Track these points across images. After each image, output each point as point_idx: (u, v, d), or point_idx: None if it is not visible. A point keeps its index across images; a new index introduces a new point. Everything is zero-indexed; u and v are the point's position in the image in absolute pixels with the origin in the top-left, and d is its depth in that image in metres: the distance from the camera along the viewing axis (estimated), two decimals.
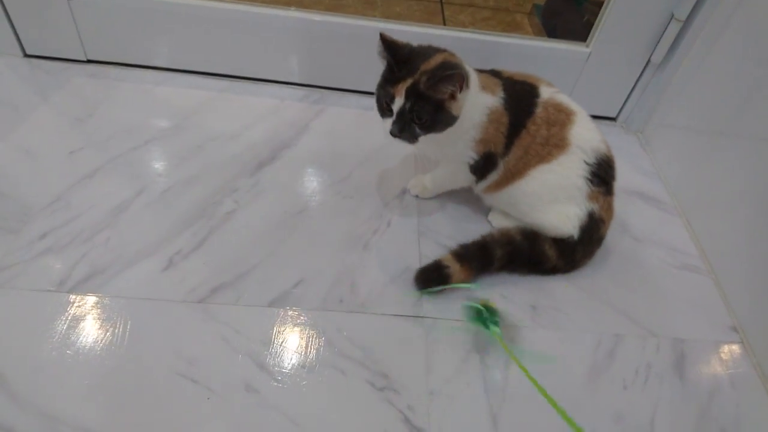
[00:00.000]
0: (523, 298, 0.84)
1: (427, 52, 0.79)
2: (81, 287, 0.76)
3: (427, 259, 0.86)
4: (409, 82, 0.75)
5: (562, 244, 0.85)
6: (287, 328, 0.75)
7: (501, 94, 0.82)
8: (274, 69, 1.17)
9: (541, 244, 0.85)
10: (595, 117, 1.19)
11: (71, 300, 0.74)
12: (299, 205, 0.93)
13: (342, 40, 1.11)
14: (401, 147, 0.82)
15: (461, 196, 0.97)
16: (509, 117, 0.83)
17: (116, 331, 0.71)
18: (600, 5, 1.08)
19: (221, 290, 0.78)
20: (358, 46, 1.11)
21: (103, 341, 0.70)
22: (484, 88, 0.82)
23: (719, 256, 0.93)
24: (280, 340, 0.73)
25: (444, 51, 0.81)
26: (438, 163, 0.94)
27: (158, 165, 0.96)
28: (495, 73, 0.86)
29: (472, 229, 0.91)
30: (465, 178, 0.90)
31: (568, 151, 0.82)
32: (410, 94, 0.75)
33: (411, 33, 1.10)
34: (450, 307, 0.80)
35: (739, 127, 0.93)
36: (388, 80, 0.78)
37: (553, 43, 1.14)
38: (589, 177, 0.83)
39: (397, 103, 0.76)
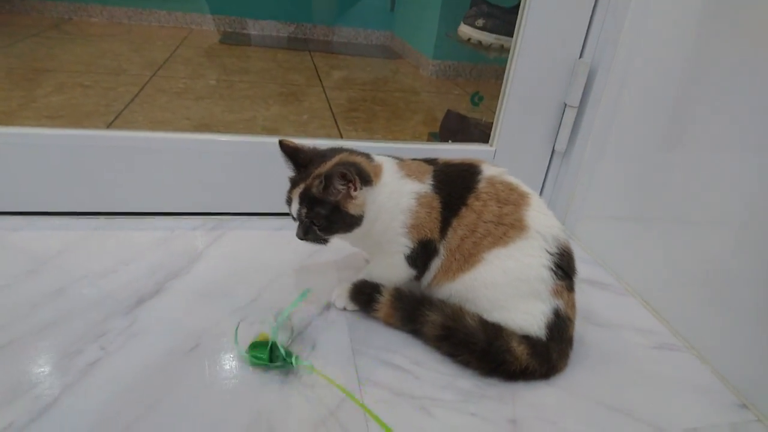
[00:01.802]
0: (496, 411, 0.65)
1: (328, 154, 0.77)
2: None
3: (369, 384, 0.67)
4: (302, 186, 0.73)
5: (532, 341, 0.71)
6: None
7: (429, 180, 0.77)
8: (161, 200, 1.02)
9: (506, 339, 0.70)
10: None
11: None
12: (190, 342, 0.71)
13: (240, 161, 1.02)
14: (320, 256, 0.70)
15: None
16: (441, 198, 0.76)
17: None
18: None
19: None
20: (260, 165, 1.02)
21: None
22: (409, 175, 0.77)
23: (691, 329, 0.83)
24: None
25: (345, 151, 0.77)
26: (369, 260, 0.83)
27: None
28: (430, 161, 0.82)
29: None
30: (403, 272, 0.78)
31: (526, 236, 0.73)
32: (303, 198, 0.73)
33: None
34: None
35: (656, 211, 0.92)
36: (291, 185, 0.76)
37: (459, 146, 1.13)
38: (553, 268, 0.72)
39: (294, 208, 0.74)
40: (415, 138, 1.69)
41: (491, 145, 1.11)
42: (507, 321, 0.72)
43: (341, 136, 1.57)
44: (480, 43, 1.24)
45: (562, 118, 1.08)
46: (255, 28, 2.73)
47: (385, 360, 0.72)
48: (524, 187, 0.79)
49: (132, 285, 0.81)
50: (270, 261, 0.91)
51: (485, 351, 0.69)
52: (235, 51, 2.50)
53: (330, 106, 1.84)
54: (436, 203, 0.76)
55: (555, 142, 1.11)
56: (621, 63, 1.00)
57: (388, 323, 0.77)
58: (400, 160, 0.80)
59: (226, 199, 1.05)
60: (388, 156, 0.81)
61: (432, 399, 0.66)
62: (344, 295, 0.80)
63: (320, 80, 2.16)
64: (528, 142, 1.11)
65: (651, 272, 0.93)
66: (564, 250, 0.74)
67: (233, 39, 2.64)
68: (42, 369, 0.64)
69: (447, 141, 1.47)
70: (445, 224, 0.76)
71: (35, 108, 1.51)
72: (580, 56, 1.04)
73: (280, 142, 0.76)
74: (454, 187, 0.77)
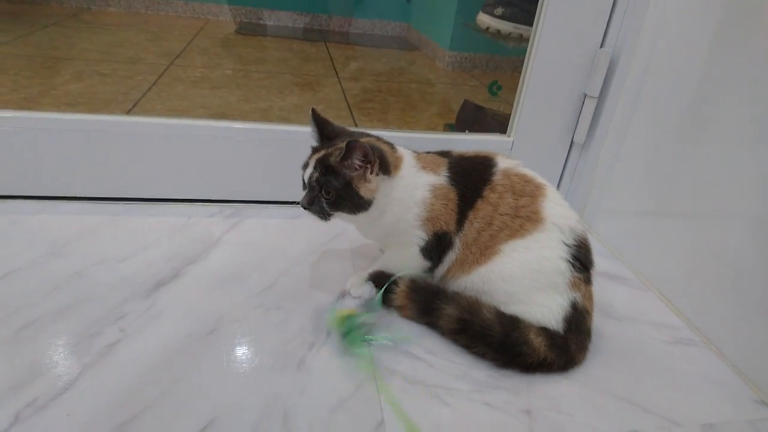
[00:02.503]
0: (511, 402, 0.65)
1: (356, 134, 0.77)
2: None
3: (383, 371, 0.67)
4: (322, 153, 0.73)
5: (551, 333, 0.70)
6: None
7: (445, 173, 0.77)
8: (179, 187, 1.03)
9: (524, 331, 0.69)
10: None
11: None
12: (208, 325, 0.72)
13: (257, 149, 1.02)
14: (335, 244, 0.70)
15: None
16: (457, 191, 0.76)
17: None
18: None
19: None
20: (276, 153, 1.02)
21: None
22: (425, 167, 0.77)
23: (709, 324, 0.82)
24: None
25: (373, 137, 0.77)
26: (383, 250, 0.83)
27: (16, 300, 0.73)
28: (444, 153, 0.81)
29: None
30: (417, 264, 0.78)
31: (543, 228, 0.72)
32: (319, 164, 0.72)
33: None
34: None
35: (675, 205, 0.90)
36: (311, 152, 0.76)
37: (476, 136, 1.12)
38: (571, 260, 0.71)
39: (308, 172, 0.74)
40: (431, 129, 1.68)
41: (509, 136, 1.10)
42: (524, 314, 0.71)
43: (356, 126, 1.57)
44: (499, 32, 1.22)
45: (581, 109, 1.06)
46: (271, 18, 2.73)
47: (401, 349, 0.72)
48: (540, 179, 0.78)
49: (150, 269, 0.82)
50: (286, 249, 0.92)
51: (502, 343, 0.68)
52: (251, 41, 2.50)
53: (345, 96, 1.84)
54: (452, 195, 0.76)
55: (574, 133, 1.09)
56: (643, 53, 0.98)
57: (404, 315, 0.77)
58: (417, 153, 0.80)
59: (243, 187, 1.06)
60: (406, 149, 0.80)
61: (447, 388, 0.66)
62: (359, 284, 0.81)
63: (336, 71, 2.15)
64: (546, 134, 1.10)
65: (669, 266, 0.91)
66: (581, 242, 0.74)
67: (249, 29, 2.64)
68: (62, 349, 0.66)
69: (464, 131, 1.46)
70: (461, 217, 0.75)
71: (55, 95, 1.52)
72: (601, 46, 1.03)
73: (313, 110, 0.76)
74: (470, 179, 0.76)
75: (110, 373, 0.63)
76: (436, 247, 0.76)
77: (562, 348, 0.70)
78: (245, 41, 2.49)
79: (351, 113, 1.66)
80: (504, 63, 2.30)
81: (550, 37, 1.01)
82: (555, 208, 0.74)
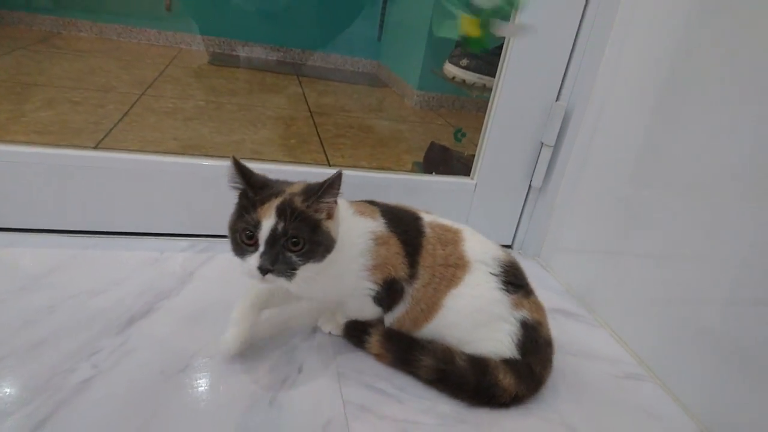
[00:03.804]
0: None
1: (284, 181, 0.72)
2: None
3: (353, 406, 0.70)
4: (278, 200, 0.65)
5: (514, 365, 0.75)
6: None
7: (381, 219, 0.77)
8: (151, 221, 1.04)
9: (493, 374, 0.73)
10: None
11: None
12: (180, 363, 0.73)
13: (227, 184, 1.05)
14: None
15: None
16: (399, 238, 0.76)
17: None
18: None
19: None
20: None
21: None
22: (362, 212, 0.77)
23: (655, 359, 0.89)
24: None
25: (302, 182, 0.72)
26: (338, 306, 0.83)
27: None
28: (370, 202, 0.82)
29: None
30: (373, 310, 0.79)
31: (470, 269, 0.77)
32: (282, 212, 0.64)
33: (300, 172, 1.08)
34: None
35: (629, 246, 0.97)
36: (248, 208, 0.66)
37: (441, 178, 1.19)
38: (503, 287, 0.77)
39: (266, 227, 0.63)
40: (400, 166, 1.75)
41: (472, 178, 1.17)
42: (479, 351, 0.76)
43: (329, 162, 1.62)
44: (464, 81, 1.31)
45: (539, 155, 1.15)
46: (244, 50, 2.78)
47: (370, 384, 0.75)
48: (454, 225, 0.82)
49: (123, 304, 0.83)
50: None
51: (476, 389, 0.72)
52: (224, 72, 2.54)
53: (317, 131, 1.89)
54: (395, 241, 0.76)
55: (532, 178, 1.17)
56: (595, 105, 1.08)
57: (382, 362, 0.78)
58: (350, 201, 0.79)
59: (215, 221, 1.07)
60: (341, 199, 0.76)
61: (414, 423, 0.70)
62: (329, 320, 0.84)
63: (308, 105, 2.21)
64: (507, 177, 1.17)
65: (620, 304, 0.99)
66: (507, 266, 0.79)
67: (222, 60, 2.68)
68: (35, 386, 0.66)
69: (431, 172, 1.53)
70: (412, 263, 0.76)
71: (25, 122, 1.51)
72: (557, 99, 1.12)
73: (234, 159, 0.68)
74: (407, 229, 0.78)
75: (84, 411, 0.63)
76: (388, 296, 0.76)
77: (527, 374, 0.74)
78: (218, 72, 2.53)
79: (323, 148, 1.71)
80: (469, 104, 2.41)
81: (510, 90, 1.10)
82: (475, 246, 0.79)
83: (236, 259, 0.68)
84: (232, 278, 0.95)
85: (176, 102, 1.95)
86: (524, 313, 0.77)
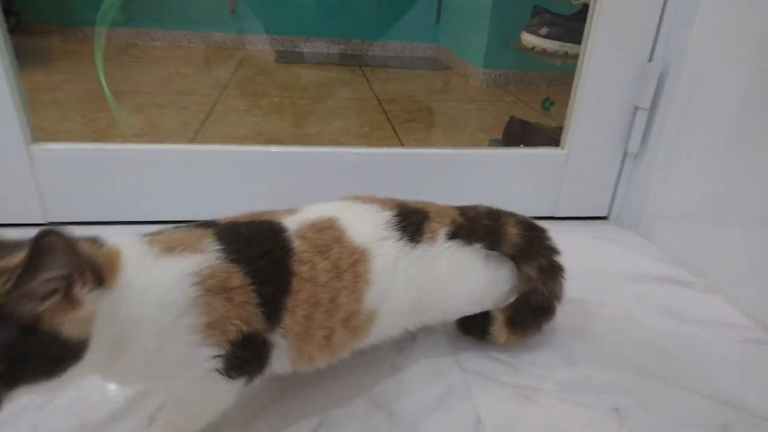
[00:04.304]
0: (598, 400, 0.68)
1: (20, 243, 0.43)
2: None
3: (471, 373, 0.72)
4: None
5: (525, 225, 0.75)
6: None
7: (214, 246, 0.52)
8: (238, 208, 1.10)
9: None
10: (586, 218, 1.20)
11: None
12: None
13: (323, 169, 1.09)
14: None
15: None
16: (246, 271, 0.52)
17: None
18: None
19: None
20: (328, 175, 1.09)
21: None
22: (173, 248, 0.51)
23: None
24: None
25: (52, 233, 0.40)
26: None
27: None
28: (206, 224, 0.57)
29: None
30: (225, 393, 0.54)
31: (372, 254, 0.62)
32: None
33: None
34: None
35: (736, 210, 0.92)
36: None
37: (528, 150, 1.17)
38: (408, 238, 0.66)
39: None
40: (475, 144, 1.74)
41: (562, 149, 1.15)
42: (457, 307, 0.72)
43: (402, 144, 1.63)
44: (545, 50, 1.27)
45: (633, 120, 1.10)
46: (306, 46, 2.85)
47: (484, 353, 0.75)
48: (327, 213, 0.64)
49: None
50: None
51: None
52: (291, 69, 2.62)
53: (388, 117, 1.91)
54: (239, 279, 0.51)
55: (627, 144, 1.13)
56: (691, 64, 1.02)
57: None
58: (151, 235, 0.53)
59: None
60: (133, 237, 0.52)
61: (534, 388, 0.70)
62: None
63: (374, 93, 2.23)
64: (600, 145, 1.13)
65: (732, 269, 0.93)
66: (399, 219, 0.67)
67: (287, 57, 2.76)
68: None
69: (513, 146, 1.51)
70: (273, 307, 0.53)
71: (121, 128, 1.63)
72: (650, 59, 1.07)
73: None
74: (264, 252, 0.55)
75: None
76: (247, 358, 0.52)
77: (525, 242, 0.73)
78: (285, 69, 2.60)
79: (396, 133, 1.73)
80: (538, 78, 2.35)
81: (599, 53, 1.06)
82: (359, 227, 0.64)
83: None
84: None
85: (252, 100, 2.02)
86: (437, 226, 0.69)
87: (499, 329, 0.73)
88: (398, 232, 0.65)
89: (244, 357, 0.52)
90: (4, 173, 0.99)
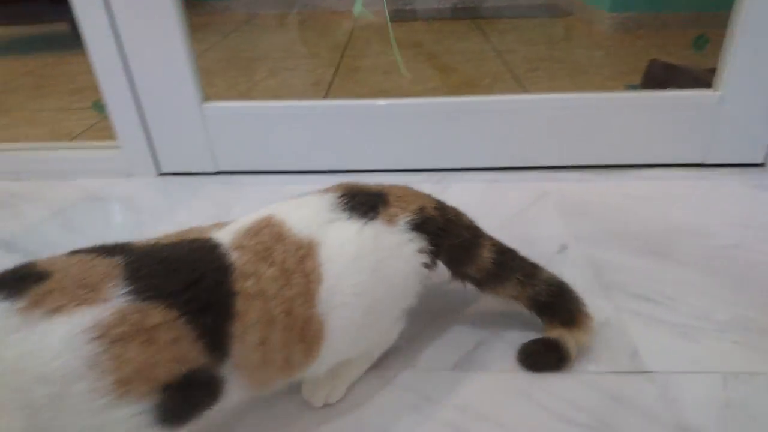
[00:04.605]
0: (763, 341, 0.67)
1: None
2: None
3: (626, 311, 0.73)
4: None
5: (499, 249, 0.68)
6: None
7: (121, 289, 0.43)
8: (382, 159, 1.17)
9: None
10: (738, 165, 1.11)
11: None
12: None
13: (464, 119, 1.12)
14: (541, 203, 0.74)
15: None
16: (172, 302, 0.45)
17: None
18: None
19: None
20: (473, 122, 1.11)
21: None
22: (60, 308, 0.41)
23: None
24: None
25: None
26: None
27: None
28: (116, 250, 0.48)
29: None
30: None
31: (319, 247, 0.55)
32: None
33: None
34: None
35: None
36: None
37: (673, 93, 1.10)
38: (366, 216, 0.59)
39: None
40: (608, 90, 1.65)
41: (715, 90, 1.07)
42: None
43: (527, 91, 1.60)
44: None
45: None
46: (418, 2, 2.83)
47: (636, 293, 0.76)
48: (260, 213, 0.58)
49: None
50: (494, 210, 1.00)
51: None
52: (404, 27, 2.63)
53: (509, 68, 1.87)
54: (159, 315, 0.44)
55: None
56: None
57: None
58: (31, 289, 0.42)
59: (447, 155, 1.16)
60: None
61: (694, 327, 0.70)
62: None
63: (492, 45, 2.19)
64: (758, 86, 1.04)
65: None
66: (341, 199, 0.60)
67: (400, 15, 2.77)
68: None
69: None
70: (215, 337, 0.46)
71: (259, 90, 1.78)
72: None
73: None
74: (194, 280, 0.47)
75: None
76: (189, 402, 0.46)
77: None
78: (399, 27, 2.62)
79: (521, 83, 1.70)
80: (673, 21, 2.15)
81: None
82: (297, 215, 0.57)
83: None
84: (470, 206, 1.03)
85: (372, 59, 2.09)
86: (398, 213, 0.61)
87: (567, 341, 0.64)
88: (346, 213, 0.58)
89: (188, 399, 0.46)
90: (182, 129, 1.15)
